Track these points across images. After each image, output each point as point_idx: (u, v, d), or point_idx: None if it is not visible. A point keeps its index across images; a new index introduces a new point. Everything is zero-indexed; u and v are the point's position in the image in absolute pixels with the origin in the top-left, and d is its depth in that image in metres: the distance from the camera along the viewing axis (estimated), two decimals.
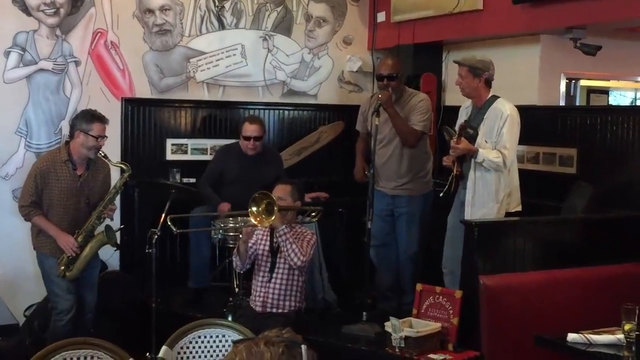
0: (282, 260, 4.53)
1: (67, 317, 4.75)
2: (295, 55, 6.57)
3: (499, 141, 4.69)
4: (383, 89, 5.16)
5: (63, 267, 4.72)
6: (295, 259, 4.41)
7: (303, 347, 1.69)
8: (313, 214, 4.77)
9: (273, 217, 4.25)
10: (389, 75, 5.20)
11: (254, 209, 4.28)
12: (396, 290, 5.43)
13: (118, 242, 5.05)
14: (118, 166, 4.97)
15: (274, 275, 4.56)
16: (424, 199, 5.36)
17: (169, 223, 4.77)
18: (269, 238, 4.57)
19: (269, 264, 4.58)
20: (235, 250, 4.64)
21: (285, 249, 4.42)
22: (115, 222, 5.12)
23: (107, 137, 4.81)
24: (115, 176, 5.02)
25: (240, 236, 4.65)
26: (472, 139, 4.75)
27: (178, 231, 4.87)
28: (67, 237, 4.68)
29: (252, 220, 4.31)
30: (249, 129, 5.54)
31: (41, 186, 4.67)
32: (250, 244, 4.58)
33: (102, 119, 4.77)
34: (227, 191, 5.52)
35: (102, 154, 4.78)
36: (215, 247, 5.51)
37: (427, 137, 5.45)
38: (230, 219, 5.28)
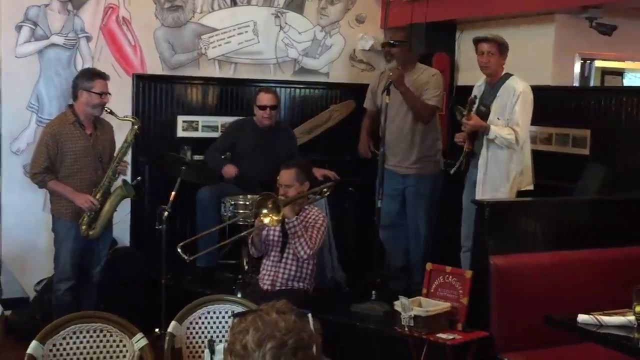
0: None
1: (63, 286, 4.79)
2: (307, 33, 6.53)
3: (511, 118, 4.66)
4: (386, 59, 5.17)
5: (85, 227, 4.75)
6: (302, 252, 4.43)
7: (309, 315, 1.70)
8: (325, 189, 4.75)
9: (281, 214, 4.26)
10: (389, 42, 5.27)
11: (264, 211, 4.29)
12: (406, 270, 5.42)
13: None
14: (126, 120, 4.99)
15: (285, 255, 4.56)
16: (433, 179, 5.34)
17: (180, 252, 4.57)
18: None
19: (280, 245, 4.58)
20: (249, 241, 4.64)
21: (292, 242, 4.44)
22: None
23: (110, 94, 4.83)
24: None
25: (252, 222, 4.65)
26: (484, 116, 4.71)
27: (190, 258, 4.67)
28: (84, 195, 4.71)
29: (264, 221, 4.30)
30: (265, 98, 5.53)
31: (54, 151, 4.69)
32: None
33: (102, 75, 4.80)
34: (240, 165, 5.51)
35: (108, 110, 4.81)
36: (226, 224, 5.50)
37: (438, 116, 5.41)
38: (240, 196, 5.28)
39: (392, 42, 5.25)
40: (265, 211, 4.29)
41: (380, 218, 4.97)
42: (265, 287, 4.58)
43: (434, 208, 5.36)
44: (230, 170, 5.42)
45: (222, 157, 5.64)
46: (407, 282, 5.34)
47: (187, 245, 4.69)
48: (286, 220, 4.41)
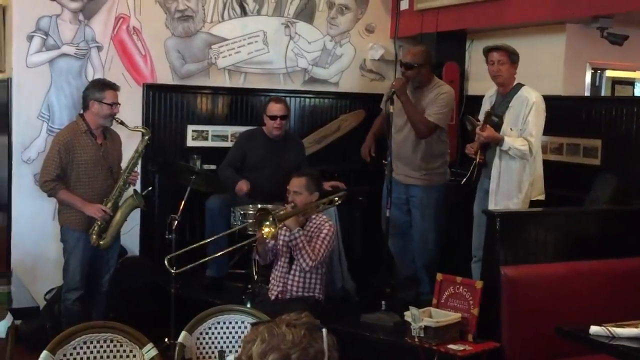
0: None
1: (72, 296, 4.79)
2: (317, 43, 6.54)
3: (524, 129, 4.64)
4: (406, 78, 5.14)
5: (95, 237, 4.76)
6: (304, 264, 4.43)
7: (324, 330, 1.68)
8: (336, 198, 4.73)
9: (276, 228, 4.29)
10: (405, 63, 5.21)
11: (266, 222, 4.30)
12: (414, 279, 5.40)
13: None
14: (136, 131, 5.00)
15: (294, 266, 4.55)
16: (438, 190, 5.31)
17: (166, 264, 4.55)
18: (288, 231, 4.55)
19: (288, 255, 4.57)
20: (254, 251, 4.64)
21: (295, 254, 4.45)
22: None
23: (120, 104, 4.85)
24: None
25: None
26: (497, 126, 4.70)
27: (177, 271, 4.59)
28: (95, 205, 4.73)
29: (264, 231, 4.31)
30: (275, 108, 5.53)
31: (66, 160, 4.70)
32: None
33: (113, 86, 4.83)
34: (248, 176, 5.50)
35: (119, 121, 4.83)
36: (234, 234, 5.50)
37: (445, 129, 5.37)
38: (250, 205, 5.27)
39: (408, 63, 5.18)
40: (267, 223, 4.30)
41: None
42: (274, 297, 4.58)
43: (439, 219, 5.34)
44: (242, 186, 5.40)
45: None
46: (416, 291, 5.32)
47: (177, 257, 4.66)
48: (290, 230, 4.41)
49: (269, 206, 4.62)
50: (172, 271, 4.60)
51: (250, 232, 5.14)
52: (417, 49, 5.35)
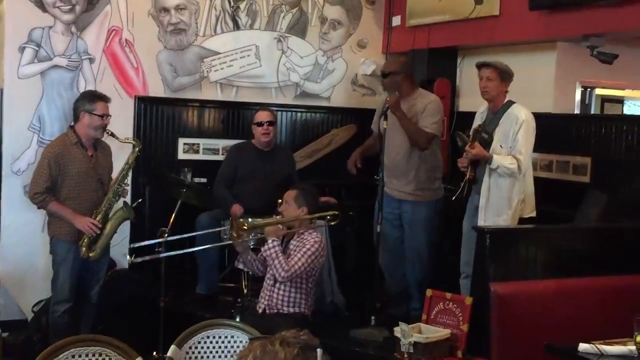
0: None
1: (61, 308, 4.77)
2: (309, 58, 6.56)
3: (514, 147, 4.66)
4: (383, 89, 5.21)
5: (85, 249, 4.74)
6: (276, 275, 4.40)
7: (319, 350, 1.68)
8: (328, 217, 4.71)
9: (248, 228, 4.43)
10: (381, 72, 5.31)
11: (244, 227, 4.43)
12: (404, 295, 5.40)
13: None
14: (127, 143, 5.00)
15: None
16: (430, 206, 5.31)
17: (131, 258, 4.52)
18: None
19: None
20: (237, 259, 4.66)
21: (268, 264, 4.44)
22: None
23: (111, 115, 4.85)
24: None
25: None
26: (487, 143, 4.72)
27: (133, 260, 4.55)
28: (85, 218, 4.72)
29: (241, 226, 4.40)
30: (261, 115, 5.57)
31: (56, 172, 4.69)
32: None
33: (104, 98, 4.84)
34: (239, 189, 5.51)
35: (109, 132, 4.83)
36: (224, 248, 5.49)
37: (439, 143, 5.40)
38: (241, 219, 5.26)
39: (384, 72, 5.26)
40: (244, 227, 4.41)
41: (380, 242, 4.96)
42: (261, 310, 4.56)
43: (432, 234, 5.34)
44: (236, 211, 5.39)
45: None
46: (406, 307, 5.32)
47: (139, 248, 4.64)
48: (266, 239, 4.42)
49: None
50: (129, 260, 4.55)
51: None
52: (393, 58, 5.49)
